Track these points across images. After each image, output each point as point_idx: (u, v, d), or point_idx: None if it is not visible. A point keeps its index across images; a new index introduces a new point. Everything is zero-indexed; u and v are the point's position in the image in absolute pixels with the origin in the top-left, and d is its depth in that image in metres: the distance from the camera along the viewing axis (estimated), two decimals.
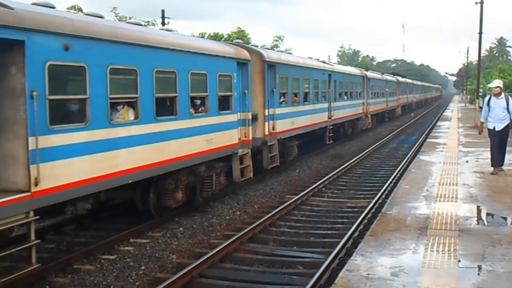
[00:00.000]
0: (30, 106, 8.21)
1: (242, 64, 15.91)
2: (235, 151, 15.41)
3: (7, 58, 8.19)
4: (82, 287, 8.96)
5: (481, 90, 44.10)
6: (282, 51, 22.09)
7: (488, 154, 19.86)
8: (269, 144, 18.23)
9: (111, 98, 10.08)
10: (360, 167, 22.09)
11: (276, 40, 70.61)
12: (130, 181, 10.76)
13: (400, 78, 59.32)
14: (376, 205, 14.09)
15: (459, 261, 7.96)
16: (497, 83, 15.58)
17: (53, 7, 9.59)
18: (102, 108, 9.83)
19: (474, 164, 17.51)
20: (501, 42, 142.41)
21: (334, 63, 38.28)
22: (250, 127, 16.47)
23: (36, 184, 8.32)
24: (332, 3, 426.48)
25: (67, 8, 41.06)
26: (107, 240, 11.14)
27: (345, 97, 30.71)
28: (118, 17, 48.80)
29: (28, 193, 8.23)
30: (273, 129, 18.47)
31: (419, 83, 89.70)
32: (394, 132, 37.31)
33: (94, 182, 9.67)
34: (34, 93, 8.25)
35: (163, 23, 43.69)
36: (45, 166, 8.49)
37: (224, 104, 14.83)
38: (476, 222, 10.23)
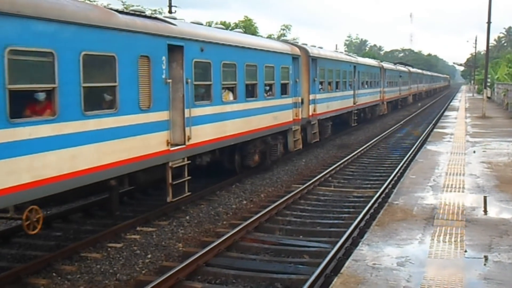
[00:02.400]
0: (186, 89, 12.45)
1: (295, 58, 20.00)
2: (290, 127, 19.42)
3: (170, 57, 11.91)
4: (89, 275, 9.00)
5: (489, 80, 43.82)
6: (314, 46, 25.04)
7: (495, 145, 19.87)
8: (312, 123, 22.44)
9: (222, 84, 14.27)
10: (367, 156, 22.06)
11: (283, 29, 70.47)
12: (232, 143, 15.06)
13: (411, 69, 61.76)
14: (383, 195, 14.06)
15: (466, 251, 7.94)
16: None
17: (175, 18, 13.61)
18: (218, 91, 14.14)
19: (481, 154, 17.45)
20: (510, 31, 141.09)
21: (341, 52, 39.04)
22: (300, 109, 20.56)
23: (188, 140, 12.55)
24: None
25: None
26: (114, 228, 11.19)
27: (366, 86, 34.82)
28: (125, 6, 48.68)
29: (184, 146, 12.44)
30: (314, 111, 22.65)
31: (429, 73, 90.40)
32: (401, 122, 37.18)
33: (214, 142, 14.02)
34: (188, 80, 12.52)
35: (170, 12, 43.58)
36: (192, 129, 12.71)
37: (283, 90, 18.80)
38: (483, 213, 10.20)
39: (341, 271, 7.21)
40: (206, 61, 13.42)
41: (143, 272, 9.24)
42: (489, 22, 38.51)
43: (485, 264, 7.44)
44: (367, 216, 12.03)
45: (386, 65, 44.86)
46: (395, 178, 16.30)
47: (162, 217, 12.42)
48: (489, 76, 48.43)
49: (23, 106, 8.51)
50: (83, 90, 9.22)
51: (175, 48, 12.04)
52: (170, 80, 11.80)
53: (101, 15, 9.90)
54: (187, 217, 12.47)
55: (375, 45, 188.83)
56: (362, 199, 14.27)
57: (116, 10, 10.69)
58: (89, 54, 9.36)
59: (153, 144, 11.24)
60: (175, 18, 14.82)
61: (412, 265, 7.37)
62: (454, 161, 16.08)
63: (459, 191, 11.96)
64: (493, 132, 24.48)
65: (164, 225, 11.85)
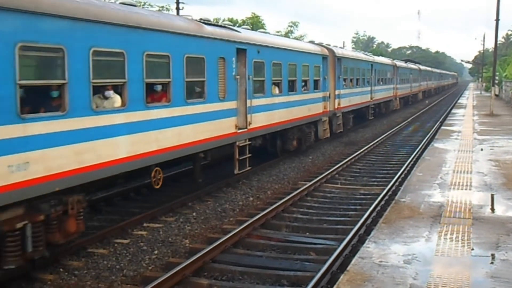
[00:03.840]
0: (248, 84, 15.36)
1: (324, 58, 23.07)
2: (320, 118, 22.42)
3: (237, 58, 14.68)
4: (96, 270, 9.04)
5: (497, 77, 43.59)
6: (336, 46, 27.38)
7: (503, 142, 19.78)
8: (337, 115, 25.18)
9: (273, 80, 17.22)
10: (374, 154, 22.02)
11: (291, 26, 70.34)
12: (278, 130, 18.03)
13: (421, 66, 63.21)
14: (390, 192, 14.03)
15: (473, 249, 7.92)
16: None
17: (233, 25, 15.27)
18: (269, 85, 17.11)
19: (489, 152, 17.38)
20: None
21: (348, 49, 39.69)
22: (328, 102, 23.45)
23: (249, 125, 15.47)
24: None
25: None
26: (121, 224, 11.23)
27: (382, 83, 37.52)
28: None
29: (246, 129, 15.33)
30: (339, 104, 25.41)
31: (437, 70, 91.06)
32: (409, 120, 37.08)
33: (266, 127, 16.89)
34: (250, 76, 15.40)
35: (177, 9, 43.61)
36: (252, 116, 15.64)
37: (315, 85, 21.72)
38: (490, 211, 10.16)
39: (348, 268, 7.22)
40: (261, 61, 16.31)
41: (150, 268, 9.27)
42: (497, 19, 38.30)
43: (492, 263, 7.42)
44: (374, 214, 12.01)
45: (398, 63, 47.02)
46: (402, 175, 16.27)
47: (169, 213, 12.45)
48: (497, 73, 48.14)
49: (151, 95, 11.18)
50: (185, 84, 12.11)
51: (240, 51, 14.92)
52: (238, 76, 14.71)
53: (195, 26, 12.95)
54: (194, 214, 12.49)
55: (382, 42, 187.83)
56: (369, 196, 14.25)
57: (202, 22, 13.61)
58: (189, 56, 12.26)
59: (226, 127, 14.24)
60: (234, 25, 17.01)
61: (418, 263, 7.37)
62: (462, 159, 16.03)
63: (466, 189, 11.92)
64: (501, 130, 24.37)
65: (170, 221, 11.88)
